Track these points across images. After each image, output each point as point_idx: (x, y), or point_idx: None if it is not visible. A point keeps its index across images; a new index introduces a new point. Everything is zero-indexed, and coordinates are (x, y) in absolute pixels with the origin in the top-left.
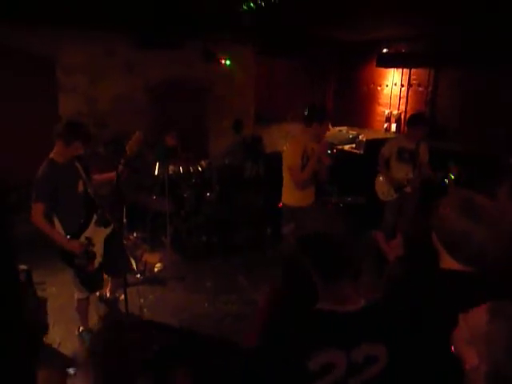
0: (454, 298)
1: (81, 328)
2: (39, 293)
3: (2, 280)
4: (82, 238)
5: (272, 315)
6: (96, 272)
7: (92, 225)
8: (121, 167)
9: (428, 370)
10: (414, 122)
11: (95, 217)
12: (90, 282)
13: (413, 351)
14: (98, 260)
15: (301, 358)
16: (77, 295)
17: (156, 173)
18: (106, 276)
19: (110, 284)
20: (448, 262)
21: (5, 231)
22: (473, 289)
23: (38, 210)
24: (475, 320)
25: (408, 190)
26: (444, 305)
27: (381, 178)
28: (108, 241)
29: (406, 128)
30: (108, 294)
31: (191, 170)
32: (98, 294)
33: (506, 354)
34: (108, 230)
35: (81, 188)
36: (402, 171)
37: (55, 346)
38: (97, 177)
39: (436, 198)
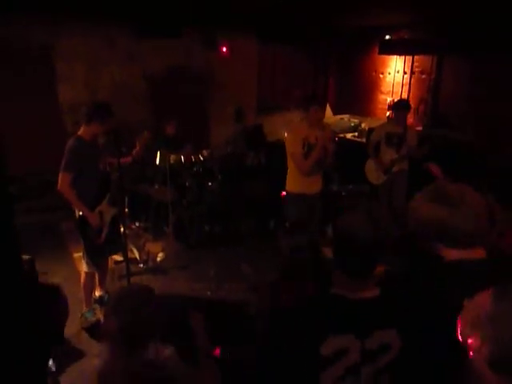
0: (460, 287)
1: (84, 309)
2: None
3: (7, 271)
4: (96, 211)
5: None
6: (102, 247)
7: (105, 201)
8: (128, 159)
9: (438, 358)
10: (397, 107)
11: (108, 195)
12: (96, 255)
13: (424, 339)
14: (104, 235)
15: (313, 342)
16: (83, 268)
17: (157, 162)
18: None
19: (96, 283)
20: (444, 251)
21: (10, 221)
22: (476, 275)
23: (65, 179)
24: (480, 303)
25: (395, 169)
26: (450, 293)
27: (370, 163)
28: (112, 220)
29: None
30: (97, 293)
31: (193, 159)
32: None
33: (510, 336)
34: (114, 210)
35: (102, 166)
36: (390, 155)
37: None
38: (110, 160)
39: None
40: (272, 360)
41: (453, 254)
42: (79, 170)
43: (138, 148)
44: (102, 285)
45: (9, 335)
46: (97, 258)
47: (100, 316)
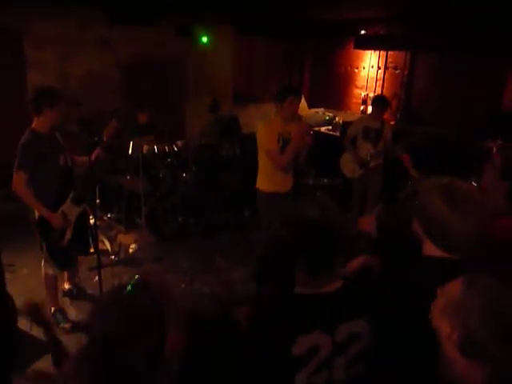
0: (436, 284)
1: (52, 309)
2: (8, 274)
3: None
4: (59, 212)
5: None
6: (66, 249)
7: (68, 200)
8: (98, 151)
9: (411, 345)
10: (377, 102)
11: (71, 193)
12: (60, 258)
13: (395, 327)
14: (68, 237)
15: (284, 344)
16: (45, 270)
17: (130, 152)
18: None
19: (65, 276)
20: (430, 249)
21: None
22: (454, 275)
23: (20, 179)
24: (450, 291)
25: (372, 164)
26: (425, 289)
27: (346, 157)
28: (78, 220)
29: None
30: (66, 286)
31: (167, 150)
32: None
33: (479, 322)
34: (79, 209)
35: (62, 161)
36: (367, 149)
37: (26, 329)
38: (77, 158)
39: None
40: (249, 364)
41: (436, 253)
42: (35, 167)
43: (105, 137)
44: (71, 280)
45: None
46: (61, 260)
47: (72, 312)
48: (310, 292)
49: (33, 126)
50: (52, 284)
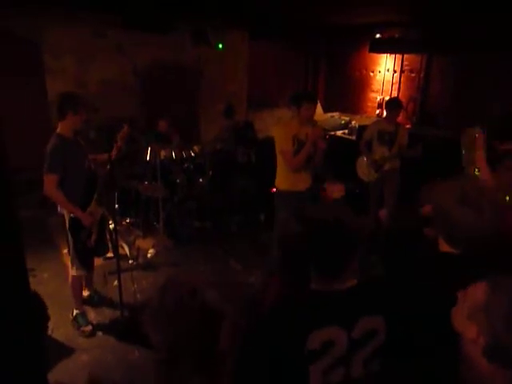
0: (452, 279)
1: (75, 311)
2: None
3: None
4: (87, 212)
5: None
6: (92, 249)
7: (93, 202)
8: (115, 150)
9: (427, 343)
10: (390, 105)
11: (96, 195)
12: (87, 259)
13: (412, 324)
14: (94, 237)
15: (298, 337)
16: (72, 272)
17: (148, 158)
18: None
19: (83, 283)
20: (445, 246)
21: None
22: (468, 270)
23: (51, 181)
24: (475, 295)
25: (387, 167)
26: (441, 284)
27: (361, 160)
28: (99, 221)
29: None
30: (85, 293)
31: (183, 155)
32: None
33: (506, 326)
34: (102, 211)
35: (87, 164)
36: (382, 152)
37: (48, 331)
38: (99, 156)
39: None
40: (257, 360)
41: (448, 248)
42: (64, 171)
43: (118, 143)
44: (89, 285)
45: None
46: (87, 261)
47: (91, 315)
48: (325, 288)
49: (58, 131)
50: (78, 286)
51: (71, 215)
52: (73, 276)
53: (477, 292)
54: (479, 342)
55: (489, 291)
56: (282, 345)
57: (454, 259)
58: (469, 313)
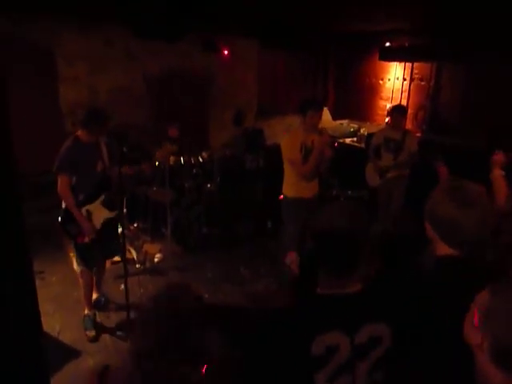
0: (453, 283)
1: (86, 310)
2: (37, 281)
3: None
4: (83, 210)
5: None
6: (90, 247)
7: (97, 202)
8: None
9: (434, 350)
10: (394, 111)
11: (102, 196)
12: (85, 254)
13: (418, 331)
14: (91, 236)
15: (304, 342)
16: (75, 266)
17: (157, 163)
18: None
19: (94, 287)
20: (442, 249)
21: (20, 221)
22: (469, 273)
23: (63, 181)
24: (480, 300)
25: (392, 174)
26: (443, 289)
27: (369, 166)
28: (108, 224)
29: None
30: (95, 296)
31: (192, 161)
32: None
33: (507, 330)
34: (110, 214)
35: (100, 168)
36: (388, 159)
37: (55, 334)
38: (126, 170)
39: (426, 183)
40: (262, 365)
41: (448, 251)
42: (74, 171)
43: (154, 162)
44: (97, 288)
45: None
46: (86, 258)
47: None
48: (330, 292)
49: (77, 133)
50: (87, 283)
51: (63, 207)
52: (78, 272)
53: (482, 298)
54: (484, 347)
55: (490, 295)
56: (287, 350)
57: (456, 262)
58: (476, 319)
